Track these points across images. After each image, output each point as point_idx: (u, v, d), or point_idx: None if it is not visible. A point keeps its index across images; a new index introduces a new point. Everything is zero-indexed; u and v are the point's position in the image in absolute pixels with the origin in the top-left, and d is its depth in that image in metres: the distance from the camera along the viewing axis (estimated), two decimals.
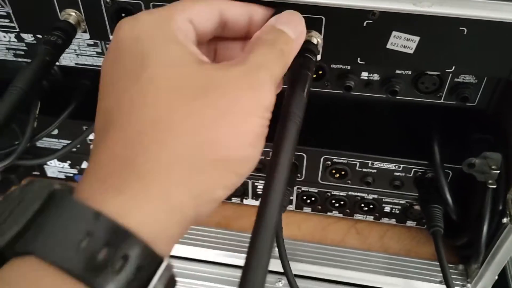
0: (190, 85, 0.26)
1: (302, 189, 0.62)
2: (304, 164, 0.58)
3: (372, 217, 0.64)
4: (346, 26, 0.39)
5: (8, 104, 0.37)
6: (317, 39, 0.39)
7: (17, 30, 0.46)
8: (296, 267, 0.60)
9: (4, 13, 0.45)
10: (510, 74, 0.41)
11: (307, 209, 0.65)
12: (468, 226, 0.55)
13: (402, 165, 0.56)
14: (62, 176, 0.68)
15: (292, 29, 0.32)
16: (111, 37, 0.44)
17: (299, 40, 0.33)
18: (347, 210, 0.64)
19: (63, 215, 0.23)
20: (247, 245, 0.26)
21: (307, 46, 0.38)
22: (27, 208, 0.24)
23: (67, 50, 0.48)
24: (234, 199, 0.66)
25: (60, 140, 0.61)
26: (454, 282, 0.57)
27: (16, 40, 0.50)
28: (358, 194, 0.61)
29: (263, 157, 0.53)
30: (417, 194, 0.58)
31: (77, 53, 0.51)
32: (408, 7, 0.37)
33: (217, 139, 0.26)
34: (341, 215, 0.65)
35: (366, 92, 0.49)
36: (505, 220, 0.50)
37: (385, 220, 0.64)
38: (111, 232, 0.23)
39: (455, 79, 0.47)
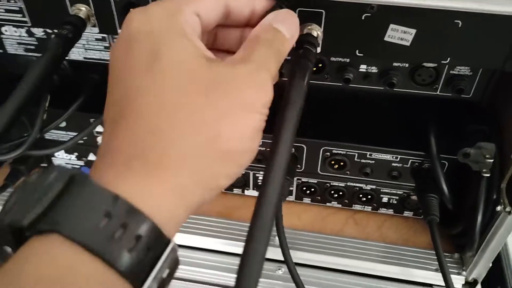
0: (198, 81, 0.28)
1: (302, 180, 0.64)
2: (304, 155, 0.60)
3: (370, 207, 0.66)
4: (345, 19, 0.41)
5: (20, 97, 0.39)
6: (317, 32, 0.41)
7: (29, 24, 0.48)
8: (296, 255, 0.62)
9: (17, 8, 0.47)
10: (503, 65, 0.42)
11: (306, 200, 0.67)
12: (463, 215, 0.57)
13: (399, 156, 0.58)
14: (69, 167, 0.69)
15: (287, 29, 0.33)
16: (119, 31, 0.46)
17: (292, 40, 0.35)
18: (346, 201, 0.65)
19: (85, 197, 0.25)
20: None
21: (308, 39, 0.40)
22: (50, 189, 0.25)
23: (76, 44, 0.50)
24: (235, 190, 0.67)
25: (68, 133, 0.63)
26: (450, 270, 0.59)
27: (27, 35, 0.52)
28: (357, 184, 0.63)
29: (263, 149, 0.55)
30: (414, 185, 0.60)
31: (86, 48, 0.53)
32: (405, 0, 0.39)
33: (221, 133, 0.28)
34: (340, 205, 0.66)
35: (364, 84, 0.51)
36: (499, 208, 0.51)
37: (383, 210, 0.66)
38: (127, 214, 0.25)
39: (451, 72, 0.48)
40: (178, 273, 0.66)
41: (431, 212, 0.56)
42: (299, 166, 0.61)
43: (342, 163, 0.60)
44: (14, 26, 0.51)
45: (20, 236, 0.25)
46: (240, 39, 0.36)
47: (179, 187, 0.27)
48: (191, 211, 0.28)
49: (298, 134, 0.57)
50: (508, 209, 0.50)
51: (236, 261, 0.26)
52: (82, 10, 0.45)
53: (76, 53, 0.53)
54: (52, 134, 0.64)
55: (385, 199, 0.64)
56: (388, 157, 0.58)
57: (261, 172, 0.64)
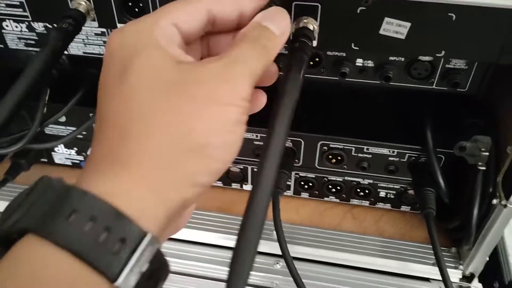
0: (168, 83, 0.28)
1: (300, 174, 0.64)
2: (302, 149, 0.60)
3: (368, 202, 0.66)
4: (341, 13, 0.42)
5: (20, 90, 0.39)
6: (313, 25, 0.41)
7: (29, 19, 0.49)
8: (294, 250, 0.63)
9: (18, 3, 0.47)
10: (498, 59, 0.43)
11: (304, 195, 0.67)
12: (460, 209, 0.57)
13: (396, 150, 0.58)
14: (69, 162, 0.70)
15: (276, 25, 0.33)
16: (118, 25, 0.47)
17: (283, 36, 0.34)
18: (344, 195, 0.66)
19: (65, 201, 0.25)
20: None
21: (304, 32, 0.40)
22: (32, 196, 0.26)
23: (75, 39, 0.51)
24: (234, 185, 0.68)
25: (68, 127, 0.64)
26: (447, 264, 0.59)
27: (27, 30, 0.53)
28: (354, 179, 0.63)
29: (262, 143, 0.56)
30: (411, 179, 0.60)
31: (85, 43, 0.53)
32: None
33: (195, 128, 0.28)
34: (337, 200, 0.67)
35: (360, 78, 0.51)
36: (495, 201, 0.52)
37: (380, 205, 0.66)
38: (88, 205, 0.25)
39: (447, 65, 0.49)
40: (177, 267, 0.67)
41: (428, 205, 0.56)
42: (296, 160, 0.62)
43: (339, 158, 0.60)
44: (14, 21, 0.52)
45: (7, 240, 0.25)
46: None
47: (151, 183, 0.27)
48: (173, 208, 0.28)
49: (296, 128, 0.59)
50: (504, 202, 0.51)
51: None
52: (81, 4, 0.45)
53: (76, 48, 0.54)
54: (53, 129, 0.64)
55: (382, 194, 0.64)
56: (385, 151, 0.58)
57: None
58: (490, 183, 0.53)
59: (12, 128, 0.59)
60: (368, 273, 0.62)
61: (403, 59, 0.49)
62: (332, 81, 0.52)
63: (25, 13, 0.48)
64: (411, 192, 0.63)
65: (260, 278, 0.63)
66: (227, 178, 0.67)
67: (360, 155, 0.59)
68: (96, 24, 0.47)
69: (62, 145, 0.68)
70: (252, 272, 0.64)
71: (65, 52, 0.54)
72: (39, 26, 0.52)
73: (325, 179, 0.64)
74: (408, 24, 0.41)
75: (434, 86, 0.51)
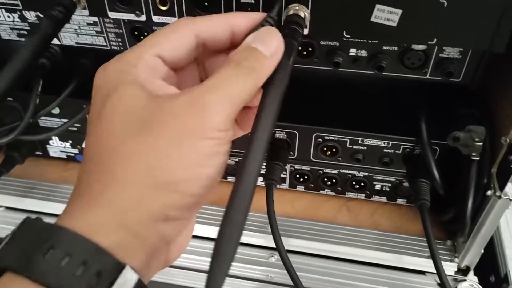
0: (140, 119, 0.28)
1: (295, 167, 0.64)
2: (296, 141, 0.60)
3: (363, 195, 0.66)
4: (332, 0, 0.41)
5: (11, 72, 0.39)
6: (304, 12, 0.41)
7: (20, 7, 0.49)
8: (289, 243, 0.62)
9: None
10: (490, 46, 0.42)
11: (300, 188, 0.67)
12: (454, 201, 0.57)
13: (391, 142, 0.58)
14: (63, 155, 0.70)
15: (266, 46, 0.32)
16: (109, 13, 0.46)
17: (274, 57, 0.32)
18: (339, 188, 0.66)
19: (43, 238, 0.26)
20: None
21: (294, 19, 0.40)
22: (15, 235, 0.27)
23: (67, 29, 0.51)
24: (230, 178, 0.68)
25: (62, 120, 0.64)
26: (442, 257, 0.59)
27: (19, 20, 0.53)
28: (349, 171, 0.63)
29: None
30: (406, 171, 0.60)
31: (77, 32, 0.53)
32: None
33: (161, 165, 0.27)
34: (333, 193, 0.67)
35: (354, 68, 0.51)
36: (489, 192, 0.52)
37: (375, 198, 0.66)
38: (68, 242, 0.25)
39: (440, 55, 0.48)
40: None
41: (422, 196, 0.56)
42: (291, 153, 0.62)
43: (334, 150, 0.60)
44: (6, 10, 0.51)
45: None
46: None
47: (121, 220, 0.27)
48: (150, 245, 0.28)
49: (290, 120, 0.58)
50: (498, 193, 0.50)
51: None
52: None
53: (68, 38, 0.54)
54: (46, 121, 0.64)
55: (377, 186, 0.64)
56: (379, 143, 0.58)
57: None
58: (484, 174, 0.52)
59: (5, 120, 0.59)
60: (363, 266, 0.62)
61: (396, 48, 0.49)
62: (326, 72, 0.52)
63: (15, 2, 0.48)
64: (406, 184, 0.62)
65: (254, 271, 0.63)
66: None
67: (354, 147, 0.59)
68: (87, 12, 0.46)
69: (56, 138, 0.68)
70: (246, 265, 0.64)
71: (58, 43, 0.54)
72: (31, 16, 0.52)
73: (320, 171, 0.64)
74: (400, 11, 0.41)
75: (427, 76, 0.50)
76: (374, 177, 0.63)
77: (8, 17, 0.53)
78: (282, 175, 0.64)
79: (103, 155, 0.28)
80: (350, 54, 0.50)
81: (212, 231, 0.63)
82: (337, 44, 0.49)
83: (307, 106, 0.61)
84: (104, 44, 0.54)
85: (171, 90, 0.30)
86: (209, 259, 0.25)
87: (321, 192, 0.67)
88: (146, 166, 0.27)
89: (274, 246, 0.57)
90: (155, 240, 0.28)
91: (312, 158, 0.62)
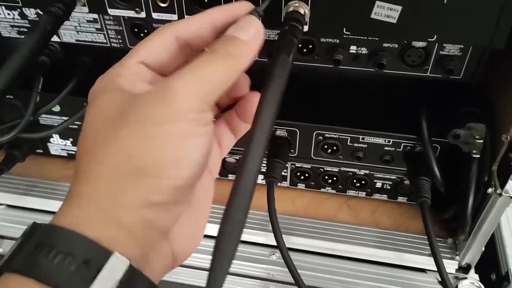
0: (116, 116, 0.29)
1: (296, 165, 0.64)
2: (297, 139, 0.60)
3: (364, 193, 0.66)
4: None
5: (11, 68, 0.39)
6: (304, 9, 0.41)
7: (20, 5, 0.49)
8: (290, 241, 0.62)
9: None
10: (490, 43, 0.42)
11: (301, 186, 0.67)
12: (455, 199, 0.57)
13: (391, 140, 0.58)
14: (64, 153, 0.70)
15: (244, 32, 0.32)
16: (109, 10, 0.46)
17: (253, 41, 0.33)
18: (340, 186, 0.65)
19: (32, 237, 0.26)
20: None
21: (294, 16, 0.40)
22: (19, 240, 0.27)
23: (67, 26, 0.51)
24: (230, 176, 0.68)
25: (62, 117, 0.64)
26: (443, 255, 0.59)
27: (19, 17, 0.53)
28: (350, 169, 0.63)
29: None
30: (406, 168, 0.60)
31: (77, 30, 0.53)
32: None
33: (138, 152, 0.27)
34: (334, 191, 0.66)
35: (354, 65, 0.51)
36: (490, 190, 0.51)
37: (376, 196, 0.66)
38: (52, 235, 0.26)
39: (440, 52, 0.48)
40: None
41: (422, 194, 0.56)
42: (292, 150, 0.62)
43: (335, 147, 0.60)
44: (6, 7, 0.51)
45: None
46: None
47: (105, 210, 0.27)
48: (139, 233, 0.28)
49: (291, 118, 0.58)
50: (499, 191, 0.50)
51: None
52: None
53: (68, 36, 0.54)
54: (47, 119, 0.64)
55: (378, 184, 0.64)
56: (380, 141, 0.58)
57: None
58: (485, 172, 0.52)
59: (5, 118, 0.59)
60: (364, 264, 0.62)
61: (396, 45, 0.49)
62: (327, 69, 0.51)
63: None
64: (407, 182, 0.62)
65: (256, 269, 0.63)
66: (224, 169, 0.67)
67: (355, 145, 0.59)
68: (87, 9, 0.47)
69: (57, 136, 0.68)
70: (248, 263, 0.64)
71: (58, 40, 0.54)
72: (31, 13, 0.52)
73: (321, 169, 0.64)
74: (399, 8, 0.41)
75: (428, 74, 0.50)
76: (375, 175, 0.63)
77: (8, 14, 0.53)
78: (283, 173, 0.64)
79: (83, 152, 0.29)
80: (351, 51, 0.50)
81: (213, 229, 0.63)
82: (337, 41, 0.49)
83: (307, 104, 0.61)
84: (104, 41, 0.54)
85: (150, 87, 0.31)
86: (210, 257, 0.25)
87: (322, 190, 0.67)
88: (123, 155, 0.27)
89: (275, 244, 0.57)
90: (142, 228, 0.28)
91: (312, 156, 0.62)
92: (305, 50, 0.50)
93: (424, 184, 0.56)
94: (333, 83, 0.61)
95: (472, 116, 0.53)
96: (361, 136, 0.58)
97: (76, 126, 0.63)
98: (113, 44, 0.54)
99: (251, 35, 0.32)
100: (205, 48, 0.32)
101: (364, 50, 0.50)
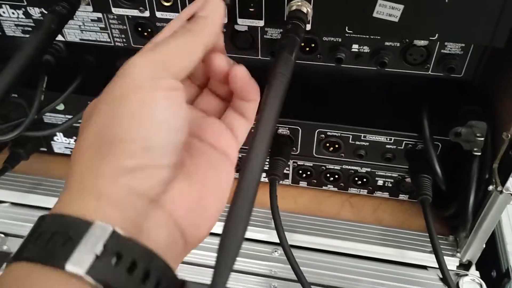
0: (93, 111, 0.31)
1: (298, 163, 0.64)
2: (299, 137, 0.60)
3: (366, 190, 0.66)
4: None
5: (15, 67, 0.39)
6: (306, 8, 0.42)
7: (25, 4, 0.49)
8: (292, 238, 0.63)
9: None
10: (491, 41, 0.43)
11: (303, 183, 0.67)
12: (456, 196, 0.57)
13: (393, 138, 0.58)
14: (68, 152, 0.71)
15: (203, 10, 0.35)
16: (113, 9, 0.47)
17: (213, 15, 0.35)
18: (342, 184, 0.66)
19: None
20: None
21: (297, 14, 0.41)
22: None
23: (72, 26, 0.52)
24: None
25: (66, 116, 0.64)
26: (444, 252, 0.59)
27: (24, 16, 0.53)
28: (352, 167, 0.63)
29: None
30: (408, 166, 0.60)
31: (82, 29, 0.54)
32: None
33: (106, 126, 0.29)
34: (335, 189, 0.67)
35: (356, 64, 0.51)
36: (491, 187, 0.52)
37: (378, 193, 0.66)
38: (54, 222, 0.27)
39: (442, 50, 0.49)
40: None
41: (424, 191, 0.56)
42: (294, 149, 0.62)
43: (336, 145, 0.60)
44: (11, 6, 0.52)
45: None
46: None
47: (81, 183, 0.29)
48: (118, 199, 0.28)
49: (293, 116, 0.59)
50: (500, 188, 0.51)
51: None
52: None
53: (72, 35, 0.54)
54: (51, 118, 0.65)
55: (380, 182, 0.64)
56: (382, 139, 0.58)
57: None
58: (486, 169, 0.53)
59: (10, 117, 0.60)
60: (366, 261, 0.62)
61: (398, 44, 0.49)
62: (329, 68, 0.52)
63: None
64: (408, 180, 0.63)
65: (258, 265, 0.63)
66: None
67: (357, 142, 0.59)
68: (91, 8, 0.47)
69: (61, 134, 0.68)
70: (250, 260, 0.64)
71: (62, 39, 0.55)
72: (35, 13, 0.52)
73: (323, 167, 0.64)
74: (401, 7, 0.41)
75: (429, 72, 0.51)
76: (376, 172, 0.63)
77: (13, 13, 0.53)
78: (285, 171, 0.65)
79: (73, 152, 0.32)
80: (353, 50, 0.50)
81: (217, 227, 0.64)
82: (340, 40, 0.50)
83: (309, 102, 0.62)
84: (108, 40, 0.54)
85: None
86: (215, 254, 0.26)
87: (324, 188, 0.67)
88: (95, 134, 0.29)
89: (277, 241, 0.57)
90: (124, 196, 0.28)
91: (314, 154, 0.62)
92: (307, 49, 0.51)
93: (426, 181, 0.57)
94: (335, 82, 0.62)
95: (473, 114, 0.53)
96: (362, 134, 0.58)
97: (79, 125, 0.64)
98: (117, 43, 0.54)
99: (209, 11, 0.35)
100: None
101: (366, 49, 0.50)
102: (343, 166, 0.63)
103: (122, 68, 0.31)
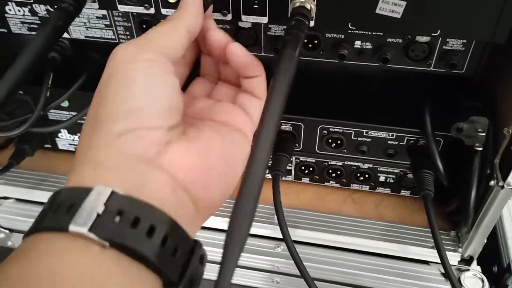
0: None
1: (301, 159, 0.65)
2: (302, 133, 0.61)
3: (368, 186, 0.67)
4: None
5: (22, 65, 0.40)
6: (310, 4, 0.42)
7: (31, 1, 0.50)
8: (295, 233, 0.63)
9: None
10: (493, 37, 0.43)
11: (305, 180, 0.68)
12: (458, 191, 0.58)
13: (395, 134, 0.58)
14: (72, 148, 0.71)
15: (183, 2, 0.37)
16: (118, 6, 0.47)
17: (193, 3, 0.37)
18: (344, 180, 0.66)
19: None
20: None
21: (300, 11, 0.41)
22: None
23: (77, 23, 0.52)
24: None
25: (71, 113, 0.65)
26: (446, 247, 0.60)
27: (30, 14, 0.54)
28: (354, 163, 0.64)
29: None
30: (410, 162, 0.61)
31: (87, 26, 0.54)
32: None
33: (97, 104, 0.32)
34: (338, 185, 0.67)
35: (359, 60, 0.52)
36: (492, 183, 0.52)
37: (380, 189, 0.67)
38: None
39: (444, 47, 0.49)
40: None
41: (426, 187, 0.57)
42: (297, 145, 0.63)
43: (339, 141, 0.61)
44: (17, 4, 0.52)
45: None
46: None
47: (79, 154, 0.32)
48: (119, 164, 0.30)
49: (296, 112, 0.59)
50: (501, 183, 0.51)
51: None
52: None
53: (78, 32, 0.55)
54: (56, 115, 0.65)
55: (382, 178, 0.65)
56: (384, 134, 0.59)
57: None
58: (487, 164, 0.53)
59: (15, 114, 0.60)
60: (368, 256, 0.63)
61: (400, 40, 0.49)
62: (332, 64, 0.52)
63: None
64: (410, 176, 0.63)
65: (261, 261, 0.64)
66: None
67: (359, 139, 0.60)
68: (96, 5, 0.47)
69: (65, 131, 0.69)
70: (253, 255, 0.64)
71: (67, 36, 0.55)
72: (41, 10, 0.53)
73: (325, 163, 0.65)
74: (404, 3, 0.42)
75: (431, 68, 0.51)
76: (378, 168, 0.64)
77: (19, 11, 0.53)
78: (287, 168, 0.65)
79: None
80: (355, 46, 0.51)
81: (222, 223, 0.64)
82: (342, 36, 0.50)
83: (312, 98, 0.62)
84: (113, 37, 0.55)
85: None
86: (219, 250, 0.26)
87: (326, 184, 0.68)
88: (90, 115, 0.32)
89: (280, 236, 0.58)
90: (120, 160, 0.30)
91: (317, 150, 0.63)
92: (310, 45, 0.51)
93: (427, 177, 0.57)
94: (337, 78, 0.62)
95: (475, 110, 0.53)
96: (365, 130, 0.59)
97: (84, 121, 0.64)
98: (121, 41, 0.55)
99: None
100: None
101: (368, 45, 0.50)
102: (346, 162, 0.64)
103: (111, 54, 0.33)
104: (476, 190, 0.54)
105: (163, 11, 0.47)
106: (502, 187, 0.51)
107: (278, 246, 0.64)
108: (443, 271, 0.60)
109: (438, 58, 0.50)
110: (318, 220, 0.64)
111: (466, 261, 0.62)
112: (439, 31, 0.44)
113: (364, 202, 0.67)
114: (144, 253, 0.27)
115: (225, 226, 0.26)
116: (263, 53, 0.52)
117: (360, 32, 0.49)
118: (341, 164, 0.64)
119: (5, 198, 0.70)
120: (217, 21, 0.43)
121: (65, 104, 0.63)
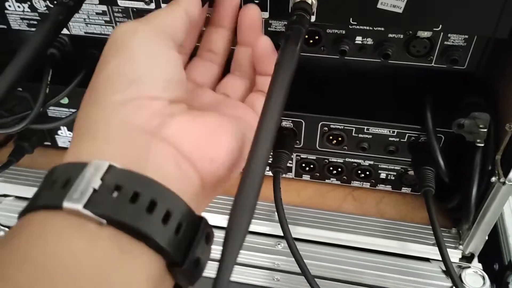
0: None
1: (301, 156, 0.65)
2: (303, 130, 0.61)
3: (369, 183, 0.66)
4: None
5: (22, 60, 0.39)
6: None
7: None
8: (295, 231, 0.63)
9: None
10: (494, 32, 0.43)
11: (306, 177, 0.67)
12: (459, 188, 0.58)
13: (396, 130, 0.58)
14: None
15: None
16: (119, 1, 0.47)
17: None
18: (345, 177, 0.66)
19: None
20: None
21: (302, 6, 0.41)
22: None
23: (77, 19, 0.52)
24: None
25: (71, 110, 0.64)
26: (447, 244, 0.59)
27: (29, 10, 0.53)
28: (355, 160, 0.63)
29: None
30: (411, 159, 0.61)
31: (87, 22, 0.54)
32: None
33: (98, 79, 0.32)
34: (338, 182, 0.67)
35: (360, 56, 0.52)
36: (493, 179, 0.52)
37: (381, 186, 0.66)
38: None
39: (445, 42, 0.49)
40: None
41: (427, 183, 0.56)
42: (297, 141, 0.62)
43: (340, 138, 0.61)
44: (17, 0, 0.52)
45: None
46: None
47: (78, 127, 0.31)
48: (117, 135, 0.29)
49: (297, 108, 0.59)
50: (502, 179, 0.51)
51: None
52: None
53: (77, 28, 0.54)
54: (55, 112, 0.65)
55: (383, 175, 0.65)
56: (385, 131, 0.59)
57: None
58: (489, 161, 0.53)
59: (14, 110, 0.60)
60: (369, 253, 0.63)
61: (401, 36, 0.49)
62: (333, 60, 0.52)
63: None
64: (411, 173, 0.63)
65: (261, 258, 0.64)
66: None
67: (360, 135, 0.60)
68: (96, 1, 0.47)
69: (65, 128, 0.68)
70: (254, 253, 0.64)
71: (67, 33, 0.55)
72: (41, 6, 0.52)
73: (326, 160, 0.64)
74: None
75: (433, 64, 0.51)
76: (379, 165, 0.63)
77: (18, 7, 0.53)
78: (288, 165, 0.65)
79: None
80: (356, 42, 0.50)
81: (221, 220, 0.64)
82: (344, 32, 0.50)
83: (313, 95, 0.62)
84: None
85: None
86: (220, 247, 0.26)
87: (327, 181, 0.67)
88: (91, 87, 0.32)
89: (280, 234, 0.57)
90: (118, 130, 0.29)
91: (318, 147, 0.63)
92: (311, 41, 0.51)
93: (428, 173, 0.57)
94: (338, 74, 0.62)
95: (476, 105, 0.53)
96: (366, 127, 0.59)
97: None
98: None
99: None
100: None
101: (369, 41, 0.50)
102: (346, 159, 0.64)
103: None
104: (477, 187, 0.54)
105: (164, 6, 0.47)
106: (504, 183, 0.51)
107: (279, 244, 0.64)
108: (444, 268, 0.60)
109: (440, 53, 0.50)
110: (318, 217, 0.64)
111: (467, 258, 0.61)
112: (440, 26, 0.43)
113: (365, 199, 0.67)
114: (143, 230, 0.25)
115: (224, 224, 0.26)
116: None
117: (361, 27, 0.49)
118: (342, 161, 0.64)
119: (5, 195, 0.70)
120: None
121: (65, 101, 0.63)
